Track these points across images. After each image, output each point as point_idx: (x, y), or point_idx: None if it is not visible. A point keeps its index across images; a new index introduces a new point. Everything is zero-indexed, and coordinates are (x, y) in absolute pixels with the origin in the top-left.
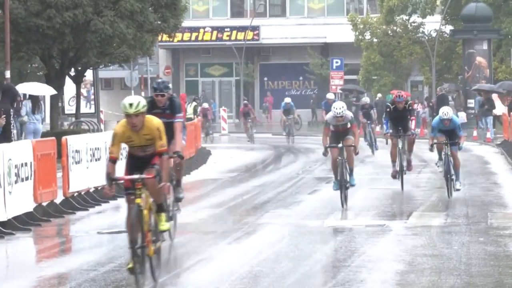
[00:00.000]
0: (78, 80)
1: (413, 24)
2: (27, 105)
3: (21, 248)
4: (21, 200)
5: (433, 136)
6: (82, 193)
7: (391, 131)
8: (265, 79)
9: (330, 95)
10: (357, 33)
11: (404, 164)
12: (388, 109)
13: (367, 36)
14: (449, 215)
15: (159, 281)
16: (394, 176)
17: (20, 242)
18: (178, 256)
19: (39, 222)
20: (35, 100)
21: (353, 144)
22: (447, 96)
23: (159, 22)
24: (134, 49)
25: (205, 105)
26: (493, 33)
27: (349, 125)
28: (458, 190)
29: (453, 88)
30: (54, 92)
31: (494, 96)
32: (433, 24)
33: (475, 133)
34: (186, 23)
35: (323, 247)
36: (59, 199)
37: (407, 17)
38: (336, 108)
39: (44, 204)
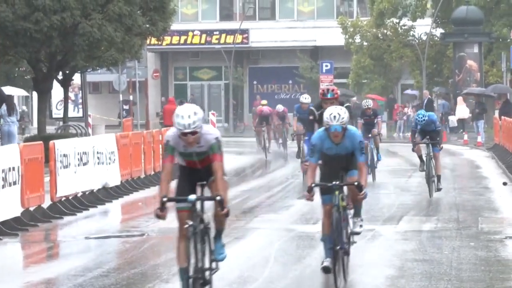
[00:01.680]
0: (65, 83)
1: (403, 27)
2: (1, 108)
3: (8, 253)
4: (8, 205)
5: (315, 163)
6: (70, 197)
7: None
8: (255, 82)
9: (304, 98)
10: (347, 36)
11: (352, 228)
12: (311, 117)
13: (357, 39)
14: (440, 219)
15: (147, 286)
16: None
17: (7, 247)
18: (166, 261)
19: (26, 227)
20: (10, 102)
21: (218, 197)
22: (432, 100)
23: (147, 25)
24: (123, 52)
25: (280, 107)
26: (484, 36)
27: (210, 154)
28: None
29: (444, 91)
30: (25, 93)
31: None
32: (423, 27)
33: (465, 136)
34: (174, 26)
35: (312, 252)
36: (46, 203)
37: (397, 20)
38: (182, 117)
39: (32, 209)
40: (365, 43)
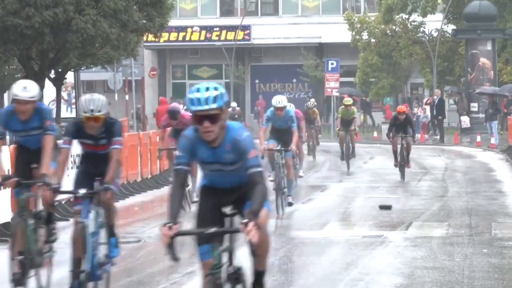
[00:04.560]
0: (58, 82)
1: (413, 23)
2: None
3: None
4: None
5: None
6: (63, 202)
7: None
8: (257, 81)
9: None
10: (354, 33)
11: None
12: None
13: (365, 36)
14: (451, 225)
15: None
16: None
17: None
18: (164, 269)
19: None
20: None
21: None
22: (444, 100)
23: (144, 21)
24: (118, 49)
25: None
26: (497, 32)
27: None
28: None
29: (456, 91)
30: None
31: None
32: (434, 24)
33: (478, 138)
34: (172, 22)
35: (317, 260)
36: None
37: (406, 16)
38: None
39: None
40: (372, 40)
